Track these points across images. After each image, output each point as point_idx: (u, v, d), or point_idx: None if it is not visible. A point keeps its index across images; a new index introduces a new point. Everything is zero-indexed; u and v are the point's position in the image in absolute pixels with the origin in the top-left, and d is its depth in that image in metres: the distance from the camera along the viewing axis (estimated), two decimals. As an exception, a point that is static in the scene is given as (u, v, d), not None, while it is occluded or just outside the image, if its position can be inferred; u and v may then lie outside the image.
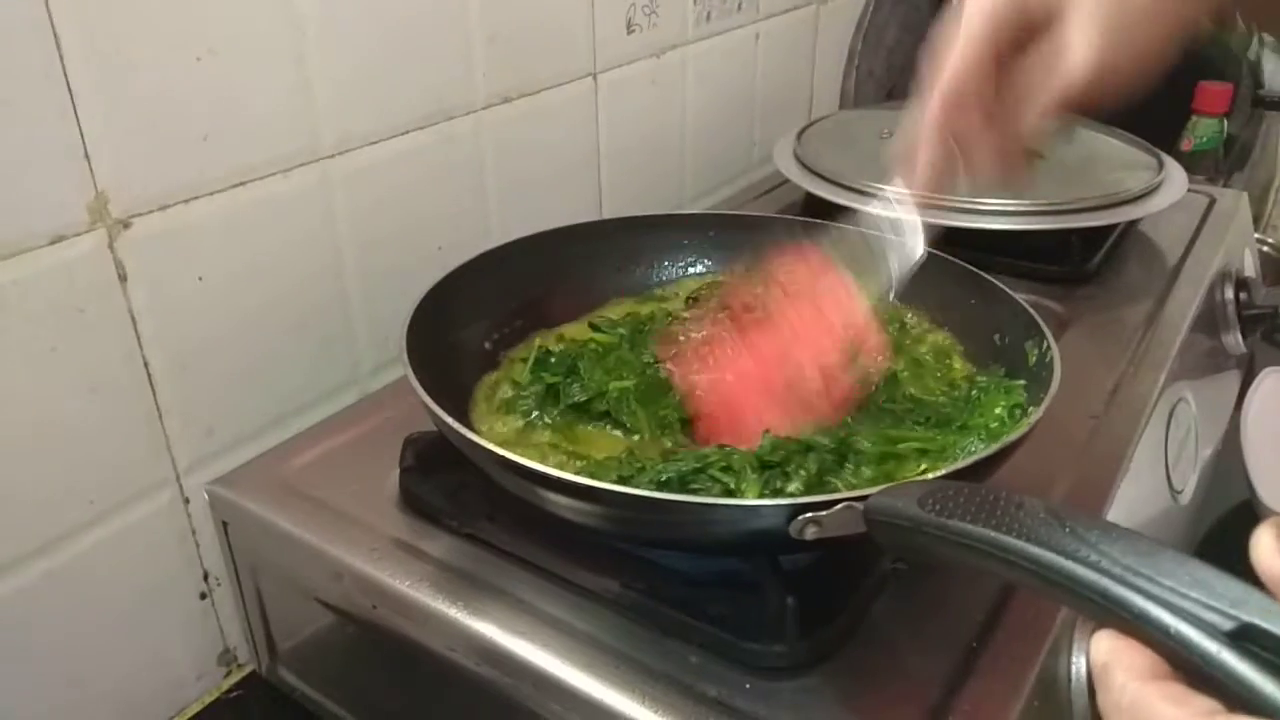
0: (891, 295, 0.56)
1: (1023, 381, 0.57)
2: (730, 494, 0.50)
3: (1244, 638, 0.23)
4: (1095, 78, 0.42)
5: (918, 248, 0.53)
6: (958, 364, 0.64)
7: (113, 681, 0.60)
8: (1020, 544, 0.29)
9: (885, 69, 1.32)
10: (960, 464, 0.47)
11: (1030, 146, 0.46)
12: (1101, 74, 0.42)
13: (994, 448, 0.47)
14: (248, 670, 0.67)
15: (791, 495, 0.50)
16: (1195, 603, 0.24)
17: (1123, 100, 0.43)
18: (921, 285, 0.66)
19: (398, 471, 0.59)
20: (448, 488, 0.57)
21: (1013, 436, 0.47)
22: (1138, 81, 0.43)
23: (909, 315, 0.67)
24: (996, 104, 0.45)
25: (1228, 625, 0.24)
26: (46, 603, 0.56)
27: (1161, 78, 0.44)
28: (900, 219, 0.52)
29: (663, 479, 0.50)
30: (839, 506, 0.41)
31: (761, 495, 0.50)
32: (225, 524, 0.61)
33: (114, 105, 0.52)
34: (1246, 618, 0.23)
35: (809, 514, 0.41)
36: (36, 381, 0.52)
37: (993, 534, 0.30)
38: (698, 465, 0.51)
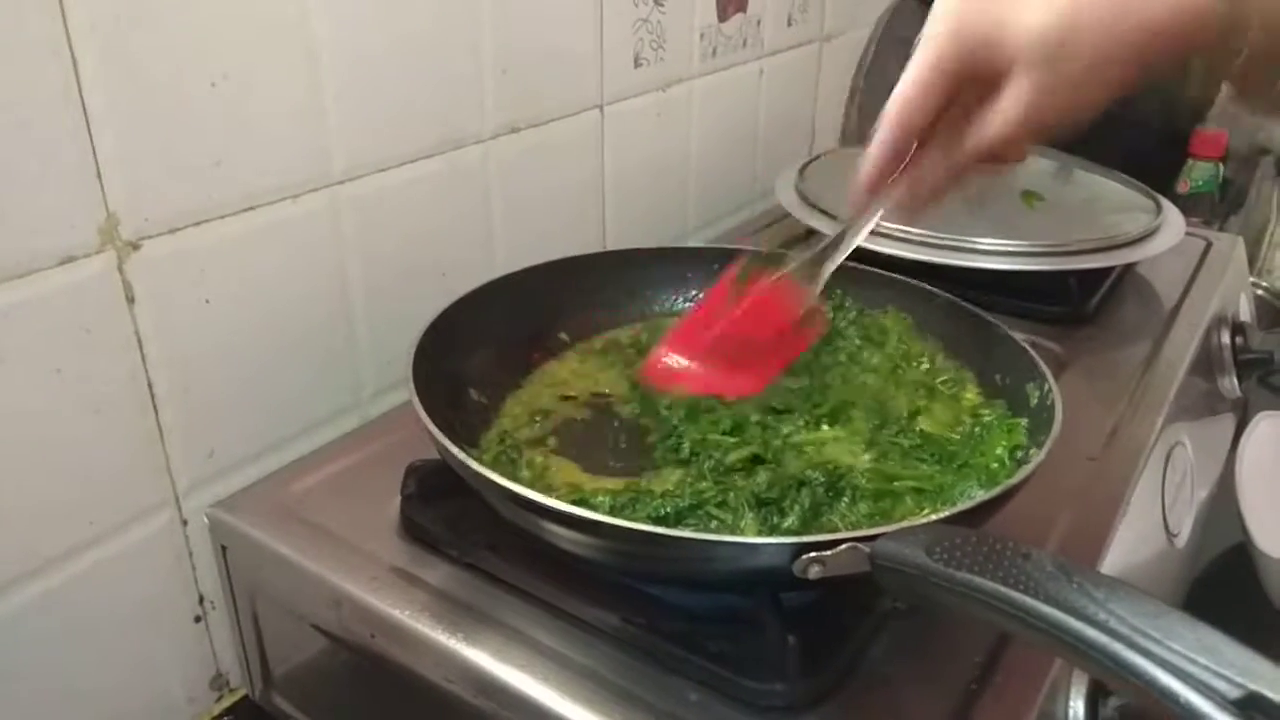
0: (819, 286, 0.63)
1: (1024, 420, 0.57)
2: (728, 531, 0.50)
3: (1251, 707, 0.23)
4: (1018, 135, 0.47)
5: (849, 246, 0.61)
6: (970, 393, 0.64)
7: (103, 702, 0.60)
8: (1029, 600, 0.29)
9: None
10: (960, 507, 0.47)
11: (966, 178, 0.52)
12: (1026, 131, 0.47)
13: (994, 492, 0.47)
14: (240, 695, 0.66)
15: (789, 531, 0.50)
16: (1203, 669, 0.24)
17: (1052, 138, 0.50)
18: (935, 324, 0.67)
19: (399, 498, 0.59)
20: (449, 516, 0.56)
21: (1013, 481, 0.47)
22: (1063, 132, 0.48)
23: (939, 356, 0.68)
24: (942, 131, 0.51)
25: (1235, 694, 0.24)
26: (42, 622, 0.55)
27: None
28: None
29: (659, 514, 0.50)
30: (843, 547, 0.41)
31: (759, 532, 0.50)
32: (224, 548, 0.61)
33: (129, 128, 0.53)
34: (1254, 687, 0.23)
35: (813, 553, 0.42)
36: (40, 402, 0.52)
37: (1001, 589, 0.30)
38: (694, 502, 0.51)
